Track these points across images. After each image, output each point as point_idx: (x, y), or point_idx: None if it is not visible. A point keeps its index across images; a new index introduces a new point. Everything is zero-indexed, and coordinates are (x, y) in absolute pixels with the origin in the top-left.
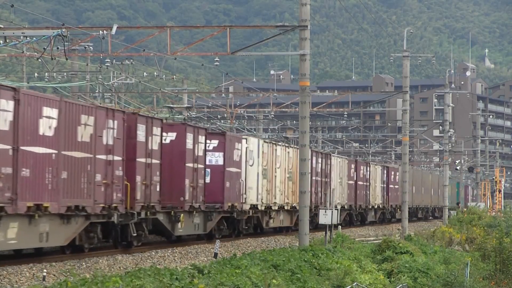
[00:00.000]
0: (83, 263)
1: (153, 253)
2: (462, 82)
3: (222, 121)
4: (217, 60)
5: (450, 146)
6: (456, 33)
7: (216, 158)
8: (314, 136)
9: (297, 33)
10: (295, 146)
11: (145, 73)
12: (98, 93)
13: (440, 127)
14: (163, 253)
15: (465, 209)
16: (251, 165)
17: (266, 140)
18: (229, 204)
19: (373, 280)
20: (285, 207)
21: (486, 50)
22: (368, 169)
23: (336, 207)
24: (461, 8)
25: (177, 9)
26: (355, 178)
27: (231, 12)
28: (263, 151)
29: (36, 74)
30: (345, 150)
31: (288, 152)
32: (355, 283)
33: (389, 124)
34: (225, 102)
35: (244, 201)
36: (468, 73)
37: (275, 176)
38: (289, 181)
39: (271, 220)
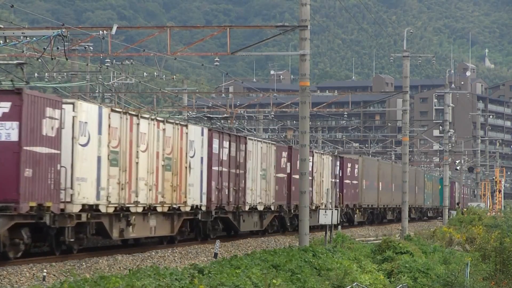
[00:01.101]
0: (83, 263)
1: (153, 253)
2: (462, 82)
3: (222, 121)
4: (217, 60)
5: (450, 146)
6: (456, 33)
7: (7, 131)
8: (314, 136)
9: (297, 33)
10: (175, 121)
11: (145, 73)
12: (98, 93)
13: (440, 127)
14: (163, 253)
15: (464, 209)
16: (83, 145)
17: (117, 109)
18: (34, 204)
19: (373, 280)
20: (159, 209)
21: (486, 50)
22: (311, 160)
23: (255, 208)
24: (461, 8)
25: (177, 9)
26: (288, 170)
27: (231, 12)
28: (109, 125)
29: (36, 74)
30: (345, 150)
31: (164, 130)
32: (355, 283)
33: (389, 124)
34: (225, 102)
35: (69, 200)
36: (468, 73)
37: (137, 163)
38: (167, 171)
39: (130, 228)
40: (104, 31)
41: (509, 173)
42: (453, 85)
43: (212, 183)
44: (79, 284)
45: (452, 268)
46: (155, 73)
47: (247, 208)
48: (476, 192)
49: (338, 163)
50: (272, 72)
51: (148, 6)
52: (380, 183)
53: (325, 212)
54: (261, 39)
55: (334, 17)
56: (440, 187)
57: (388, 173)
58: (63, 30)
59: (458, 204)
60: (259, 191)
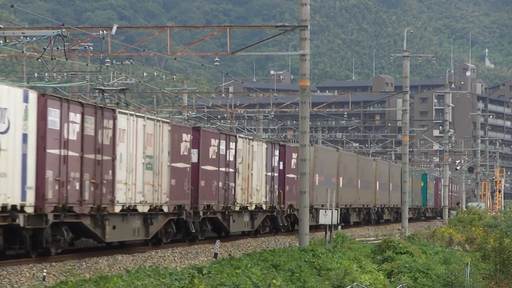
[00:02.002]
0: (83, 263)
1: (153, 253)
2: (462, 82)
3: (222, 121)
4: (217, 60)
5: (450, 146)
6: (456, 33)
7: None
8: (314, 136)
9: (297, 33)
10: None
11: (145, 73)
12: (98, 93)
13: (440, 127)
14: (163, 253)
15: (463, 210)
16: None
17: None
18: None
19: (373, 280)
20: None
21: (486, 50)
22: (234, 147)
23: (134, 209)
24: (461, 8)
25: (177, 9)
26: (194, 160)
27: (231, 12)
28: None
29: (36, 74)
30: (345, 150)
31: None
32: (355, 283)
33: (389, 124)
34: (225, 102)
35: None
36: (468, 73)
37: None
38: None
39: None
40: (104, 31)
41: (509, 173)
42: (453, 85)
43: (48, 173)
44: (79, 284)
45: (452, 268)
46: (155, 73)
47: (117, 209)
48: (476, 192)
49: (277, 152)
50: (272, 72)
51: (148, 6)
52: (341, 178)
53: (325, 212)
54: (261, 39)
55: (334, 17)
56: (422, 184)
57: (353, 167)
58: (63, 30)
59: (458, 204)
60: (140, 186)
